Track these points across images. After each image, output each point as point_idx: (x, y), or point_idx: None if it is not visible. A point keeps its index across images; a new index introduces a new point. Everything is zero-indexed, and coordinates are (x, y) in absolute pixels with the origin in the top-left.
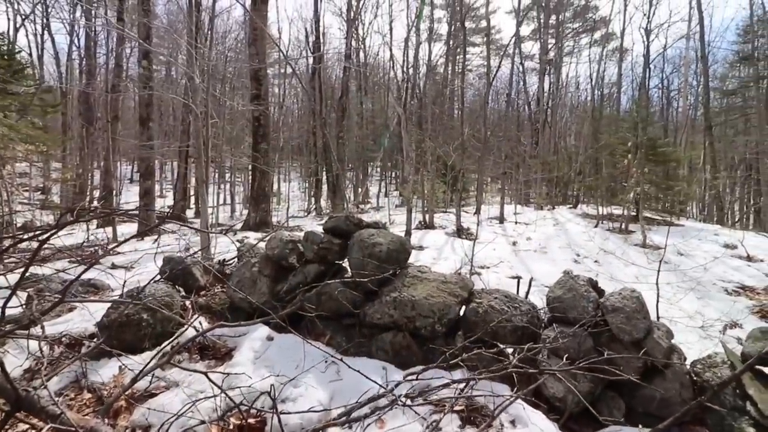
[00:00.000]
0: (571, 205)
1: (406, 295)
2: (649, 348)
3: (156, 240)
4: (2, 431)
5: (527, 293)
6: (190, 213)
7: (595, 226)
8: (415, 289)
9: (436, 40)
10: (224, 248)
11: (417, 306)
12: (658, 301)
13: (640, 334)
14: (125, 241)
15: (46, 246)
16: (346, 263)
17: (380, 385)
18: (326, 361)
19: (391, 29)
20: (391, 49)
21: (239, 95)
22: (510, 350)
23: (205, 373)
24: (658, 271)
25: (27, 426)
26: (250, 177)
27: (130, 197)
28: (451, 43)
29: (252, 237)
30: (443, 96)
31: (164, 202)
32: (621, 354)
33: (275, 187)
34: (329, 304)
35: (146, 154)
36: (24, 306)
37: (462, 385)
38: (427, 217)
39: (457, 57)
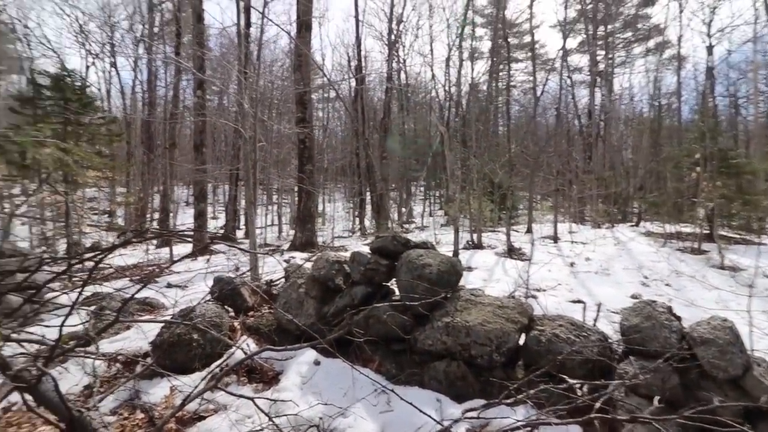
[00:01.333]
0: (632, 224)
1: (459, 321)
2: (749, 387)
3: (208, 260)
4: None
5: (595, 320)
6: (240, 233)
7: (662, 246)
8: (469, 314)
9: (477, 58)
10: (272, 268)
11: (472, 332)
12: (751, 332)
13: (738, 371)
14: (178, 260)
15: (108, 265)
16: (393, 285)
17: (436, 421)
18: (376, 390)
19: (431, 49)
20: (432, 69)
21: (285, 119)
22: (577, 384)
23: (253, 399)
24: (750, 296)
25: None
26: (297, 198)
27: (185, 219)
28: (493, 60)
29: (298, 257)
30: (487, 113)
31: (216, 223)
32: (714, 392)
33: (320, 207)
34: (377, 328)
35: (200, 177)
36: (84, 324)
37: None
38: (474, 236)
39: (501, 73)
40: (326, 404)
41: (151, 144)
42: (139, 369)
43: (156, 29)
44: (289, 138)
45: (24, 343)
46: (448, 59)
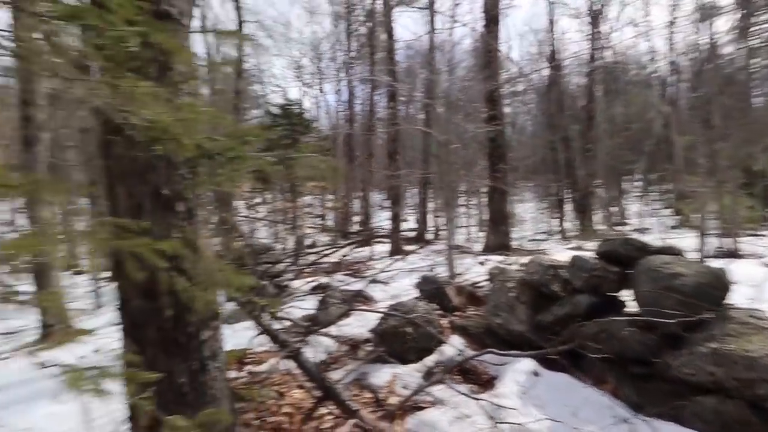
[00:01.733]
0: None
1: (734, 349)
2: None
3: (404, 258)
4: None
5: None
6: (428, 235)
7: None
8: (748, 342)
9: (716, 15)
10: (465, 269)
11: (757, 366)
12: None
13: None
14: (396, 260)
15: (330, 261)
16: (622, 295)
17: None
18: (615, 417)
19: (646, 15)
20: (649, 40)
21: (470, 119)
22: None
23: (476, 399)
24: None
25: (326, 411)
26: (488, 199)
27: (380, 221)
28: (744, 11)
29: (492, 259)
30: (736, 83)
31: (404, 225)
32: None
33: (511, 208)
34: (612, 344)
35: (395, 182)
36: (320, 310)
37: None
38: (727, 241)
39: (755, 28)
40: (555, 421)
41: (351, 155)
42: (361, 353)
43: (353, 53)
44: (475, 138)
45: (280, 321)
46: (671, 23)
